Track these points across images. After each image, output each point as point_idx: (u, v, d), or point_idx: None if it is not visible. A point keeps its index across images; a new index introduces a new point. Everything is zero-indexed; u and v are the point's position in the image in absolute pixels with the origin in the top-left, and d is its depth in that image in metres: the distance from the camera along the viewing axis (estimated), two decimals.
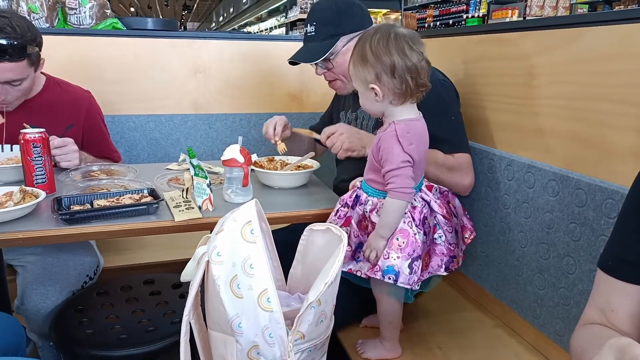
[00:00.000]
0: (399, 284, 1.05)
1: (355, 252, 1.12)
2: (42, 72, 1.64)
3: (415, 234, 1.07)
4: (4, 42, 1.33)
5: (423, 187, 1.15)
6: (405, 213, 1.09)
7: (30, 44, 1.40)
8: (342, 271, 1.10)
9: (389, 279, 1.05)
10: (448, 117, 1.30)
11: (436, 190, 1.18)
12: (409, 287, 1.06)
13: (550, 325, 1.19)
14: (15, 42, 1.35)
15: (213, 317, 0.90)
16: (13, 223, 1.07)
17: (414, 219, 1.09)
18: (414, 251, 1.06)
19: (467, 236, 1.22)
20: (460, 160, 1.30)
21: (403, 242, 1.06)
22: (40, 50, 1.48)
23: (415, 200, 1.11)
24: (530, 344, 1.30)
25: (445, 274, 1.14)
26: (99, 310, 1.38)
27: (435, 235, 1.14)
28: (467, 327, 1.40)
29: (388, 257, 1.05)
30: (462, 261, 1.22)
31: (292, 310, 0.92)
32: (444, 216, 1.15)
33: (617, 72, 1.02)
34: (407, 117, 1.08)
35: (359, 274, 1.11)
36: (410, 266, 1.05)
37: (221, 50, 2.14)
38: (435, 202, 1.14)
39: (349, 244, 1.11)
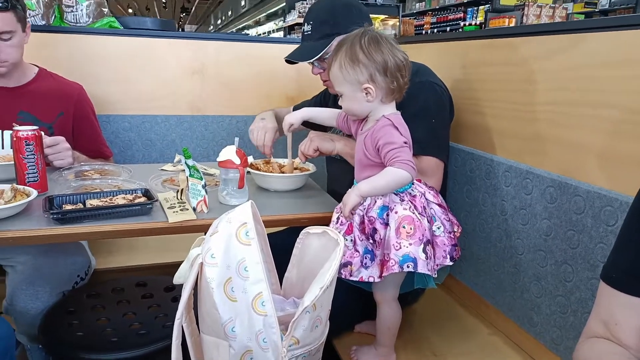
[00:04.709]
0: (419, 270, 1.03)
1: (363, 259, 1.10)
2: (34, 65, 1.66)
3: (419, 220, 1.06)
4: None
5: (414, 180, 1.13)
6: (404, 200, 1.08)
7: (14, 1, 1.44)
8: (353, 280, 1.09)
9: (408, 267, 1.03)
10: (428, 119, 1.28)
11: (423, 183, 1.17)
12: (429, 272, 1.04)
13: (547, 333, 1.18)
14: None
15: (206, 320, 0.88)
16: (3, 222, 1.05)
17: (416, 207, 1.08)
18: (423, 236, 1.05)
19: (455, 230, 1.20)
20: (425, 164, 1.27)
21: (410, 229, 1.05)
22: (25, 13, 1.51)
23: (413, 190, 1.11)
24: (527, 353, 1.28)
25: (451, 263, 1.12)
26: (90, 312, 1.35)
27: (434, 227, 1.12)
28: (463, 334, 1.38)
29: (400, 247, 1.04)
30: (459, 259, 1.19)
31: (286, 315, 0.90)
32: (439, 205, 1.15)
33: (617, 79, 1.02)
34: (392, 111, 1.11)
35: (371, 280, 1.08)
36: (424, 251, 1.04)
37: (218, 52, 2.13)
38: (429, 192, 1.14)
39: (356, 251, 1.10)
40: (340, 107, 1.17)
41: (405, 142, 1.06)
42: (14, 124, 1.27)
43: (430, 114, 1.29)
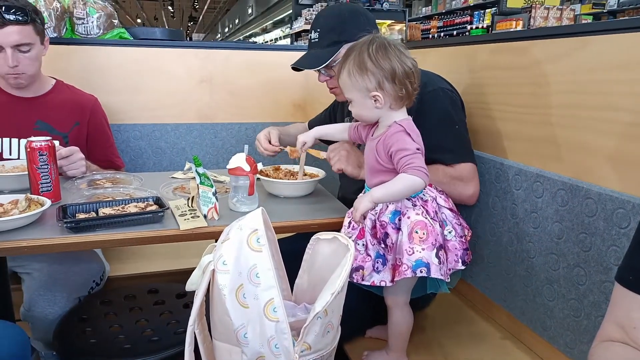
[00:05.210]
0: (432, 275, 1.03)
1: (375, 263, 1.10)
2: (52, 77, 1.72)
3: (432, 225, 1.07)
4: (9, 3, 1.44)
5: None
6: (416, 205, 1.08)
7: (33, 15, 1.49)
8: (364, 284, 1.09)
9: (421, 272, 1.03)
10: (452, 126, 1.30)
11: (435, 188, 1.18)
12: (442, 277, 1.05)
13: (561, 337, 1.17)
14: (19, 7, 1.45)
15: (218, 327, 0.89)
16: (18, 231, 1.07)
17: (427, 212, 1.08)
18: (435, 240, 1.06)
19: (466, 233, 1.20)
20: (463, 171, 1.29)
21: (423, 234, 1.05)
22: (43, 26, 1.56)
23: (425, 195, 1.12)
24: (540, 357, 1.27)
25: (463, 267, 1.13)
26: (103, 319, 1.37)
27: (445, 232, 1.12)
28: (475, 338, 1.38)
29: (413, 252, 1.04)
30: (470, 263, 1.20)
31: (298, 321, 0.91)
32: (451, 209, 1.15)
33: (626, 81, 1.01)
34: (403, 117, 1.11)
35: (382, 284, 1.09)
36: (437, 256, 1.05)
37: (226, 60, 2.15)
38: (440, 196, 1.15)
39: (368, 255, 1.10)
40: (348, 120, 1.18)
41: (418, 149, 1.06)
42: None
43: (451, 120, 1.29)
